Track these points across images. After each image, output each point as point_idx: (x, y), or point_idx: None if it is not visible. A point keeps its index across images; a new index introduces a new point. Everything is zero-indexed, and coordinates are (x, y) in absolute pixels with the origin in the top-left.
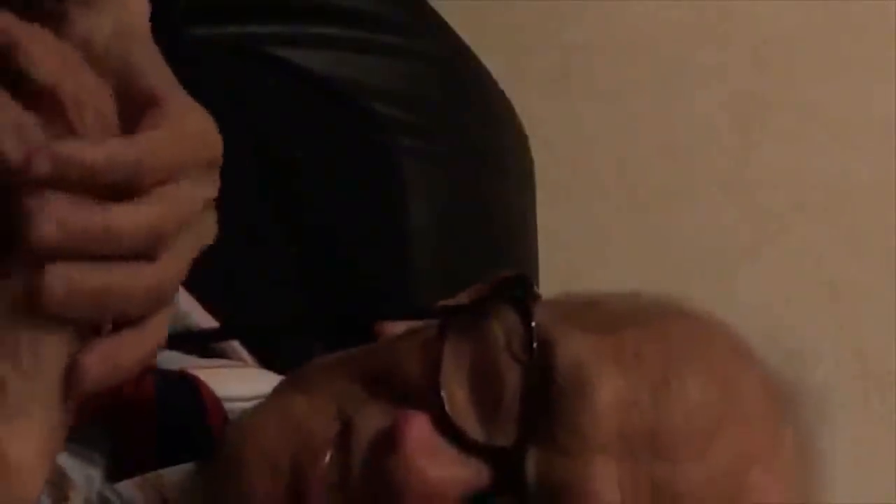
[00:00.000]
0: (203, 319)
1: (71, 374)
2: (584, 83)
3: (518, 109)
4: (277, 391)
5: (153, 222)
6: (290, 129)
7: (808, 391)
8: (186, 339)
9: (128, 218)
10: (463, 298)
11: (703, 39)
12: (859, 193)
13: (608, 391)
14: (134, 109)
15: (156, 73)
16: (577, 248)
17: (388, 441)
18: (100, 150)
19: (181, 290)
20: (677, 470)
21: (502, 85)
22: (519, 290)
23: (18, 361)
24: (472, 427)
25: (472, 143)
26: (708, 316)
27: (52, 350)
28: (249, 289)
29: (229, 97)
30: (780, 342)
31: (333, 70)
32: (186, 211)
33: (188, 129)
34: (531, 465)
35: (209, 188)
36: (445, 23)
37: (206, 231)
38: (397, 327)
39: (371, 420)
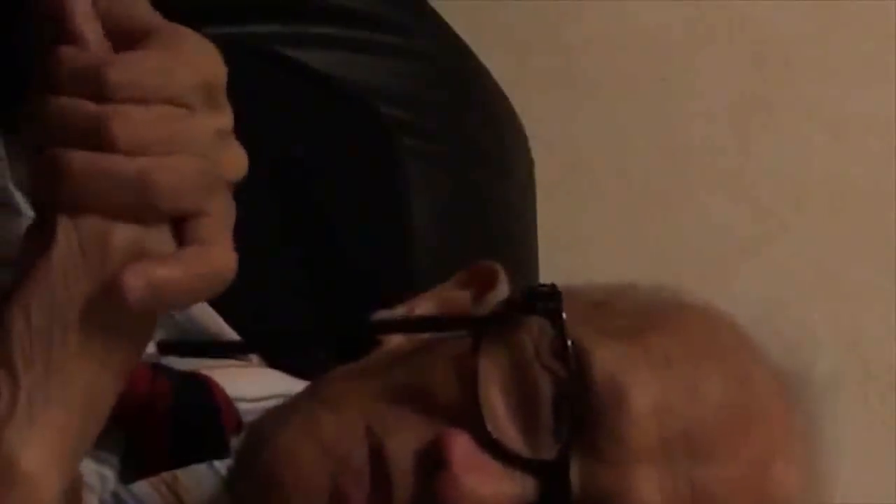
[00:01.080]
0: (212, 322)
1: (111, 292)
2: (584, 83)
3: (518, 109)
4: (302, 407)
5: (105, 113)
6: (291, 127)
7: (809, 379)
8: (203, 349)
9: (75, 102)
10: (425, 302)
11: (703, 39)
12: (859, 193)
13: (646, 398)
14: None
15: (144, 11)
16: (577, 248)
17: (434, 459)
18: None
19: None
20: (712, 470)
21: (502, 85)
22: (550, 302)
23: (36, 369)
24: (513, 440)
25: (472, 143)
26: (706, 305)
27: (77, 361)
28: (252, 286)
29: (229, 94)
30: (781, 340)
31: (334, 70)
32: (175, 129)
33: (178, 53)
34: (575, 476)
35: (217, 118)
36: (445, 23)
37: (230, 161)
38: (395, 339)
39: (406, 439)
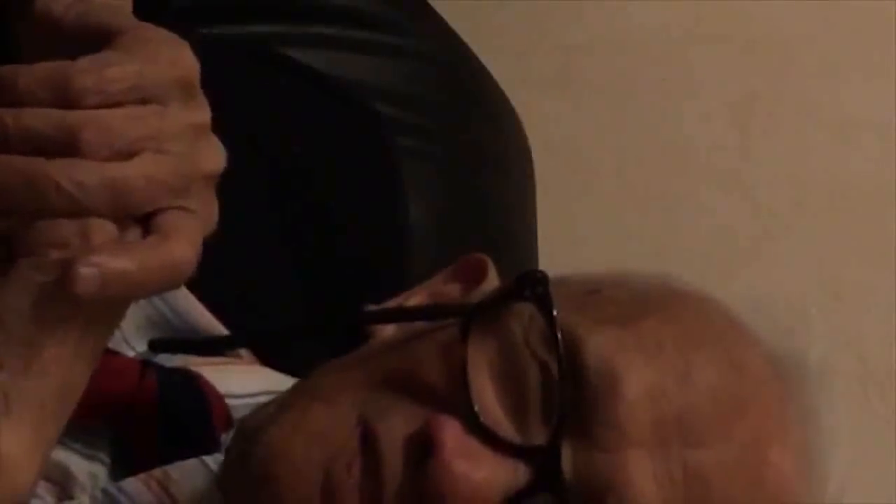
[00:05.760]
0: (203, 319)
1: (64, 279)
2: (584, 83)
3: (518, 109)
4: (293, 402)
5: (76, 120)
6: (289, 126)
7: (804, 365)
8: (193, 347)
9: (41, 116)
10: (416, 296)
11: (702, 39)
12: (859, 193)
13: (638, 383)
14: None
15: (116, 14)
16: (577, 248)
17: (424, 446)
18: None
19: (182, 289)
20: (706, 454)
21: (502, 85)
22: (538, 287)
23: (11, 364)
24: (503, 426)
25: (472, 143)
26: (699, 292)
27: (51, 352)
28: (248, 285)
29: (229, 94)
30: (774, 327)
31: (333, 70)
32: (149, 128)
33: (148, 52)
34: (567, 461)
35: (192, 113)
36: (445, 23)
37: (207, 156)
38: (388, 329)
39: (396, 426)
